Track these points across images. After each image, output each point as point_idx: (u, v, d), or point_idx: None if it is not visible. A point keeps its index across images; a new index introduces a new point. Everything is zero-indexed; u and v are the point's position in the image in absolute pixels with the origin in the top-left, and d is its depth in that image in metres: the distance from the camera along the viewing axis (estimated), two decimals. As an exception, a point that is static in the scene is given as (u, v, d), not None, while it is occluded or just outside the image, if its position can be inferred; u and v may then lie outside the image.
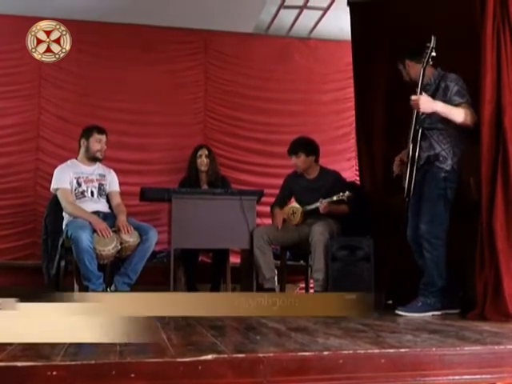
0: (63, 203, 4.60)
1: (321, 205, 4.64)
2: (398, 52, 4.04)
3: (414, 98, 3.61)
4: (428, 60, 3.66)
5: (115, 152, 5.69)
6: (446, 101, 3.64)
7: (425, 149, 3.73)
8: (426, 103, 3.58)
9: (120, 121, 6.40)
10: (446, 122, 3.64)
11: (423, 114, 3.67)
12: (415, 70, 3.80)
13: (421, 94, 3.61)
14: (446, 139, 3.69)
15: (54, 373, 1.70)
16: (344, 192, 4.59)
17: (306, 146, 4.91)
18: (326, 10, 6.43)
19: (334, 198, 4.61)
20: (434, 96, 3.67)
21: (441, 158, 3.68)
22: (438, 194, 3.65)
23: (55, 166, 4.84)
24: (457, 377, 2.01)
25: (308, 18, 6.66)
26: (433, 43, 3.63)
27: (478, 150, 3.45)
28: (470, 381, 2.03)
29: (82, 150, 4.80)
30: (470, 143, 3.62)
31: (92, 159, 4.79)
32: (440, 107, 3.59)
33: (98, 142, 4.76)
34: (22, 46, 5.38)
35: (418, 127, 3.72)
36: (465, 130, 3.65)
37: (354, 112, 5.69)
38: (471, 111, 3.58)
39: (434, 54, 3.65)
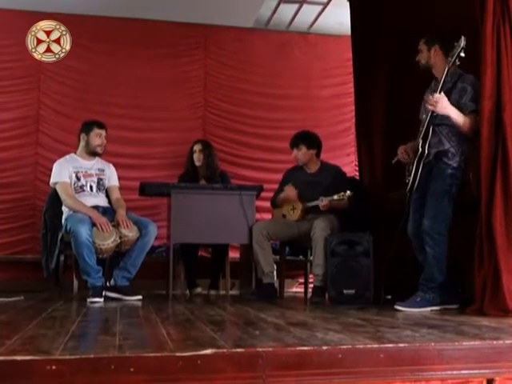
0: (63, 196, 4.59)
1: (321, 202, 4.63)
2: (426, 34, 3.87)
3: (436, 96, 3.54)
4: (455, 60, 3.57)
5: (115, 146, 5.69)
6: (461, 103, 3.61)
7: (433, 145, 3.71)
8: (443, 107, 3.52)
9: (119, 115, 6.40)
10: None
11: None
12: (437, 60, 3.73)
13: (440, 92, 3.57)
14: (455, 136, 3.67)
15: (54, 367, 1.70)
16: (345, 191, 4.58)
17: (307, 139, 4.91)
18: (325, 4, 6.43)
19: (335, 196, 4.60)
20: (448, 94, 3.63)
21: (449, 155, 3.67)
22: (443, 189, 3.64)
23: (54, 161, 4.83)
24: (455, 372, 2.01)
25: (308, 13, 6.66)
26: (463, 44, 3.52)
27: (478, 146, 3.45)
28: (468, 376, 2.03)
29: (82, 144, 4.79)
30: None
31: (92, 154, 4.78)
32: (453, 114, 3.54)
33: (98, 137, 4.75)
34: (22, 40, 5.41)
35: (430, 125, 3.69)
36: None
37: (353, 107, 5.70)
38: (475, 123, 3.55)
39: (462, 54, 3.55)
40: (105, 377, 1.74)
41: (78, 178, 4.68)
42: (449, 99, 3.59)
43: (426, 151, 3.68)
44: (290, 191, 4.90)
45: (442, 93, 3.56)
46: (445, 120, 3.65)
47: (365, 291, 4.21)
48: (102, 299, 4.23)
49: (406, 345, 2.04)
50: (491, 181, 3.34)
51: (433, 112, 3.63)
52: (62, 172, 4.66)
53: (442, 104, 3.52)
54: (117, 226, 4.44)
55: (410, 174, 3.76)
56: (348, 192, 4.58)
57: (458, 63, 3.61)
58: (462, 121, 3.55)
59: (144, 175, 6.02)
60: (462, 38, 3.54)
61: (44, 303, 4.01)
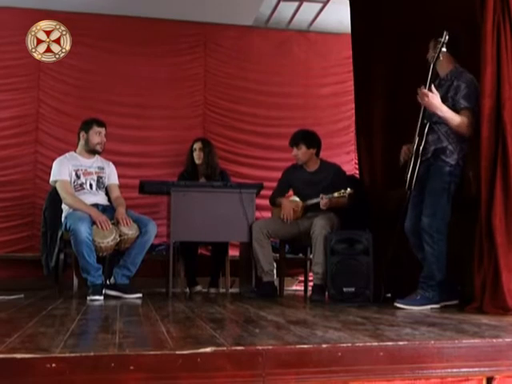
0: (63, 194, 4.59)
1: (322, 200, 4.63)
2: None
3: (423, 91, 3.57)
4: (438, 56, 3.63)
5: (114, 145, 5.69)
6: (455, 99, 3.62)
7: (431, 142, 3.72)
8: (431, 104, 3.54)
9: (119, 114, 6.40)
10: None
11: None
12: (442, 58, 3.75)
13: (430, 87, 3.58)
14: (453, 134, 3.67)
15: (53, 365, 1.71)
16: (346, 189, 4.57)
17: (307, 138, 4.90)
18: (325, 2, 6.42)
19: (336, 194, 4.59)
20: (447, 92, 3.64)
21: (447, 152, 3.67)
22: (441, 187, 3.64)
23: (54, 159, 4.83)
24: (455, 370, 2.01)
25: (308, 11, 6.65)
26: (444, 39, 3.60)
27: (478, 144, 3.45)
28: (467, 374, 2.03)
29: (82, 142, 4.79)
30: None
31: (91, 152, 4.78)
32: (443, 112, 3.56)
33: (97, 135, 4.75)
34: (22, 38, 5.41)
35: (425, 121, 3.70)
36: None
37: (353, 105, 5.69)
38: (471, 121, 3.56)
39: (444, 49, 3.62)
40: (105, 375, 1.74)
41: (78, 176, 4.68)
42: (446, 96, 3.61)
43: (422, 148, 3.69)
44: (286, 211, 4.85)
45: (434, 90, 3.57)
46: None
47: (364, 289, 4.21)
48: (101, 297, 4.24)
49: (405, 343, 2.04)
50: (491, 179, 3.34)
51: (425, 108, 3.65)
52: (62, 170, 4.66)
53: (430, 100, 3.53)
54: (117, 224, 4.44)
55: (408, 171, 3.77)
56: (348, 189, 4.57)
57: (441, 58, 3.65)
58: (456, 122, 3.56)
59: (144, 173, 6.01)
60: (445, 32, 3.60)
61: (44, 301, 4.02)
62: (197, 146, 5.54)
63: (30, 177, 6.26)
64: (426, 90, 3.56)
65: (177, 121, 6.65)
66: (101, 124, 4.80)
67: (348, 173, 5.44)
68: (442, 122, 3.67)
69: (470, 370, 2.03)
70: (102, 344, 2.04)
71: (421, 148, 3.69)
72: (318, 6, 6.53)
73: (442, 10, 4.17)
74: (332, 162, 5.10)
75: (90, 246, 4.27)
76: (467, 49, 3.67)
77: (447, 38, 3.60)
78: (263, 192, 5.15)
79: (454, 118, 3.57)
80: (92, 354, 1.78)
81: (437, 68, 3.78)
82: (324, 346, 1.96)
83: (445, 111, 3.56)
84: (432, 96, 3.54)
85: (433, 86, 3.59)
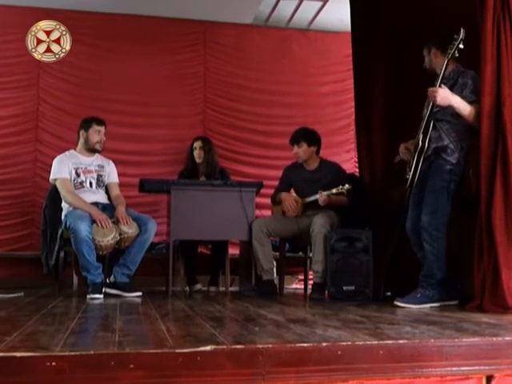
0: (63, 192, 4.59)
1: (320, 197, 4.63)
2: (426, 39, 3.90)
3: (433, 89, 3.57)
4: (454, 52, 3.60)
5: (114, 143, 5.68)
6: (461, 96, 3.62)
7: (433, 140, 3.72)
8: (444, 97, 3.53)
9: (119, 112, 6.40)
10: (457, 116, 3.61)
11: (437, 106, 3.63)
12: (438, 61, 3.74)
13: (440, 86, 3.58)
14: (455, 132, 3.68)
15: (53, 363, 1.70)
16: (344, 185, 4.58)
17: (308, 136, 4.90)
18: (325, 1, 6.42)
19: (334, 190, 4.60)
20: (450, 90, 3.64)
21: (448, 151, 3.67)
22: (441, 185, 3.64)
23: (54, 157, 4.83)
24: (455, 368, 2.01)
25: (307, 10, 6.65)
26: (462, 35, 3.56)
27: (478, 143, 3.45)
28: (467, 372, 2.03)
29: (81, 141, 4.79)
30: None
31: (91, 150, 4.78)
32: (456, 103, 3.54)
33: (97, 134, 4.75)
34: (22, 37, 5.41)
35: (431, 119, 3.70)
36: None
37: (353, 104, 5.69)
38: (479, 112, 3.54)
39: (461, 46, 3.59)
40: (104, 373, 1.74)
41: (78, 175, 4.68)
42: None
43: (426, 145, 3.69)
44: (288, 202, 4.87)
45: (443, 85, 3.57)
46: (446, 116, 3.65)
47: (364, 288, 4.21)
48: (101, 296, 4.24)
49: (405, 341, 2.04)
50: (491, 177, 3.34)
51: (433, 106, 3.64)
52: (62, 168, 4.66)
53: (442, 95, 3.52)
54: (116, 222, 4.44)
55: (410, 169, 3.77)
56: (346, 185, 4.58)
57: (457, 55, 3.62)
58: (468, 110, 3.54)
59: (144, 172, 6.01)
60: (462, 30, 3.57)
61: (44, 299, 4.02)
62: (197, 144, 5.54)
63: (29, 175, 6.26)
64: (435, 88, 3.56)
65: (177, 119, 6.65)
66: (100, 122, 4.79)
67: (348, 171, 5.44)
68: (444, 119, 3.68)
69: (470, 368, 2.03)
70: (102, 342, 2.04)
71: (425, 146, 3.69)
72: (318, 4, 6.53)
73: (441, 9, 4.17)
74: (332, 161, 5.10)
75: (90, 244, 4.27)
76: (467, 47, 3.65)
77: (464, 34, 3.56)
78: (263, 190, 5.15)
79: (466, 108, 3.55)
80: (92, 352, 1.78)
81: (437, 69, 3.77)
82: (324, 344, 1.96)
83: (459, 102, 3.55)
84: (443, 91, 3.53)
85: (443, 85, 3.58)
